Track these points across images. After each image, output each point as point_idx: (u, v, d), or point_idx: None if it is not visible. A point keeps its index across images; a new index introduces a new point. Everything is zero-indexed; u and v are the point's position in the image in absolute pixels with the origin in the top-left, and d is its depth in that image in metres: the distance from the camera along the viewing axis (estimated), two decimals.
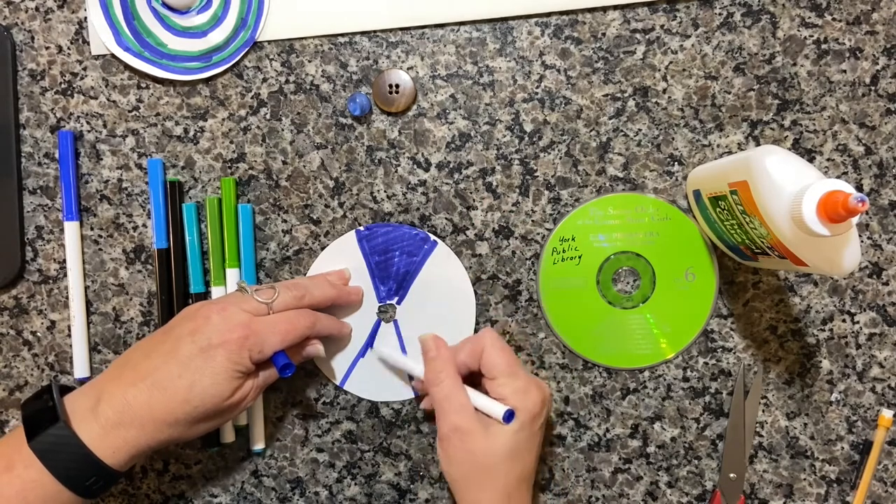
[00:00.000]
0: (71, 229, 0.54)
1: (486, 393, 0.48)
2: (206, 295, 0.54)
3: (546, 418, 0.49)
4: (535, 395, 0.47)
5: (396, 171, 0.54)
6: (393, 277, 0.54)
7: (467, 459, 0.46)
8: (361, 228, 0.54)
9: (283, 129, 0.54)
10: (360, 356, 0.54)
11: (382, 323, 0.54)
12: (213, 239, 0.53)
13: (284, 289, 0.48)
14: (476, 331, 0.54)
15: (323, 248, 0.54)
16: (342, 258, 0.54)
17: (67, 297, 0.55)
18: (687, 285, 0.53)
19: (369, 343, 0.54)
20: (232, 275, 0.53)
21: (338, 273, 0.53)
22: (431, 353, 0.49)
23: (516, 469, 0.46)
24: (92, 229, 0.55)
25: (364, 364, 0.55)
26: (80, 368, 0.54)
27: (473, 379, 0.50)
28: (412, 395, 0.55)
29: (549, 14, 0.53)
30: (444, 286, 0.54)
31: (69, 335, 0.55)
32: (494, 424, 0.46)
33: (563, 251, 0.54)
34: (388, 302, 0.54)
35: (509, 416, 0.46)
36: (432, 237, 0.54)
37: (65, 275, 0.55)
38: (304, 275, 0.54)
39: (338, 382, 0.55)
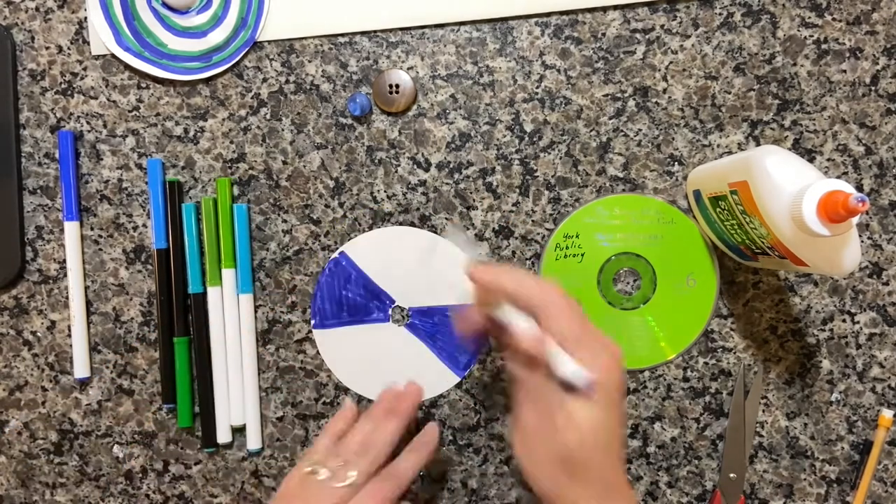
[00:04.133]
0: (71, 229, 0.54)
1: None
2: (204, 295, 0.54)
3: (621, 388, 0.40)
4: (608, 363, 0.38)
5: (396, 171, 0.54)
6: (369, 302, 0.54)
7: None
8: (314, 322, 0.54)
9: (283, 129, 0.54)
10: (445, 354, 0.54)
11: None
12: (209, 240, 0.53)
13: (355, 457, 0.44)
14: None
15: (323, 249, 0.54)
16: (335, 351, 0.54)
17: (67, 297, 0.55)
18: (688, 290, 0.53)
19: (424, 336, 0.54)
20: (228, 275, 0.53)
21: (384, 398, 0.47)
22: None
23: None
24: (92, 229, 0.55)
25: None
26: (80, 368, 0.54)
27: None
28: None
29: (549, 14, 0.53)
30: (396, 257, 0.54)
31: (69, 335, 0.55)
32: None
33: (567, 247, 0.53)
34: (390, 309, 0.54)
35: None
36: (335, 254, 0.54)
37: (65, 275, 0.55)
38: (305, 280, 0.54)
39: (459, 377, 0.54)
